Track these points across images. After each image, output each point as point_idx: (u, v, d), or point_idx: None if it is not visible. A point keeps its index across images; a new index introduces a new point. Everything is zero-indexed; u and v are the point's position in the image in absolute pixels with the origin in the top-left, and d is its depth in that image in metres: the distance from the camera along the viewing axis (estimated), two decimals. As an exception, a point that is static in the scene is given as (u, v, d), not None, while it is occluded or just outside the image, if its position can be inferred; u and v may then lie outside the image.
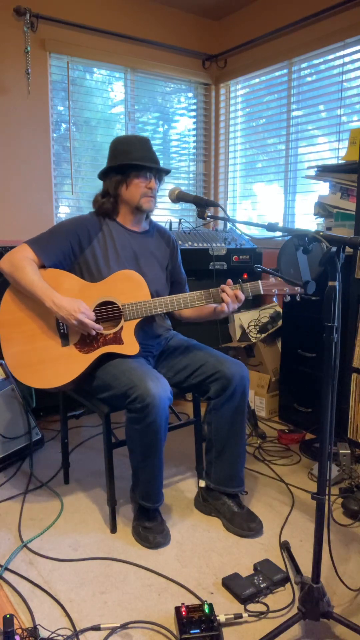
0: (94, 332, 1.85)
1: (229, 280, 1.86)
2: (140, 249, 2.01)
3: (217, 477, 1.99)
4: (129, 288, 1.88)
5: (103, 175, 1.99)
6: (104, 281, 1.90)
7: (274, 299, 1.81)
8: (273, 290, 1.80)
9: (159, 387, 1.71)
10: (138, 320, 1.88)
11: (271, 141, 3.70)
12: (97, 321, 1.86)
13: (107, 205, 1.97)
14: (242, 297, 1.83)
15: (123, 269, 1.92)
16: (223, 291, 1.83)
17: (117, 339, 1.87)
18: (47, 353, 1.88)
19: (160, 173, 1.98)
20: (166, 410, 1.74)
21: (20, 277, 1.83)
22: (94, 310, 1.86)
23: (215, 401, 1.92)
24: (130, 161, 1.89)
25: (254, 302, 3.27)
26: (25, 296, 1.87)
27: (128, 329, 1.87)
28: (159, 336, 2.08)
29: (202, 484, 2.06)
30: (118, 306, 1.88)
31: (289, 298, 1.80)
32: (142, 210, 1.98)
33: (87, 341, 1.88)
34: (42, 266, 1.90)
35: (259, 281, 1.81)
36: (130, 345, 1.87)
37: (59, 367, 1.87)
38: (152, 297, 1.92)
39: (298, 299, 1.80)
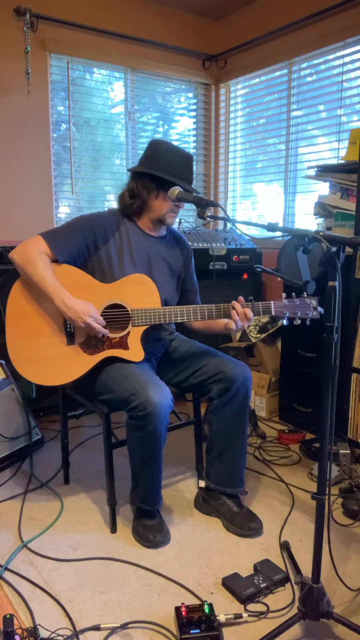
0: (100, 335, 1.84)
1: (241, 298, 1.83)
2: (154, 253, 2.00)
3: (217, 478, 1.99)
4: (140, 293, 1.87)
5: (138, 173, 1.94)
6: (116, 283, 1.89)
7: (284, 321, 1.79)
8: (285, 312, 1.78)
9: (160, 395, 1.70)
10: (145, 327, 1.87)
11: (271, 141, 3.70)
12: (104, 324, 1.85)
13: (134, 206, 1.94)
14: (251, 315, 1.80)
15: (135, 272, 1.91)
16: (233, 308, 1.80)
17: (122, 344, 1.86)
18: (51, 350, 1.87)
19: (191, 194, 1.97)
20: (167, 418, 1.74)
21: (32, 272, 1.80)
22: (102, 312, 1.85)
23: (218, 402, 1.92)
24: (173, 178, 1.86)
25: (254, 302, 3.26)
26: (35, 290, 1.85)
27: (135, 334, 1.86)
28: (163, 339, 2.08)
29: (202, 484, 2.06)
30: (127, 310, 1.87)
31: (299, 321, 1.78)
32: (164, 224, 1.98)
33: (92, 342, 1.88)
34: (55, 260, 1.87)
35: (271, 302, 1.79)
36: (135, 352, 1.86)
37: (61, 365, 1.87)
38: (161, 304, 1.91)
39: (308, 323, 1.79)
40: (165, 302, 1.98)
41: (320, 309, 1.74)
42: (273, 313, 1.79)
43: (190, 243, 3.04)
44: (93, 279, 1.90)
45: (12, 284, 1.89)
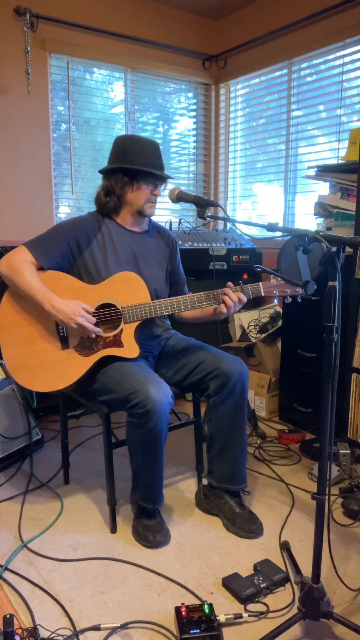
0: (93, 335, 1.84)
1: (230, 283, 1.85)
2: (140, 250, 2.00)
3: (219, 475, 1.99)
4: (129, 290, 1.88)
5: (108, 171, 1.96)
6: (104, 283, 1.90)
7: (275, 300, 1.80)
8: (274, 292, 1.79)
9: (160, 392, 1.71)
10: (138, 322, 1.87)
11: (271, 141, 3.70)
12: (97, 324, 1.85)
13: (110, 204, 1.96)
14: (244, 299, 1.82)
15: (122, 270, 1.91)
16: (224, 294, 1.82)
17: (117, 342, 1.86)
18: (46, 356, 1.88)
19: (164, 180, 1.99)
20: (167, 416, 1.74)
21: (19, 281, 1.82)
22: (93, 313, 1.86)
23: (215, 398, 1.92)
24: (144, 167, 1.89)
25: (254, 302, 3.26)
26: (24, 299, 1.86)
27: (128, 331, 1.86)
28: (159, 336, 2.08)
29: (205, 481, 2.06)
30: (118, 308, 1.87)
31: (290, 299, 1.80)
32: (144, 215, 1.99)
33: (86, 344, 1.88)
34: (41, 268, 1.89)
35: (260, 283, 1.81)
36: (130, 348, 1.86)
37: (58, 370, 1.87)
38: (152, 298, 1.92)
39: (299, 300, 1.80)
40: (156, 296, 1.99)
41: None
42: (263, 294, 1.80)
43: (190, 243, 3.07)
44: (81, 282, 1.91)
45: (2, 293, 1.91)
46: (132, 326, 1.87)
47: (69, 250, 1.92)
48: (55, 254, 1.90)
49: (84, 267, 1.94)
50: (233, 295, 1.81)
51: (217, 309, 1.88)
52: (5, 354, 1.89)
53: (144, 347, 1.94)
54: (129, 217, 2.00)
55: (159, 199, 2.01)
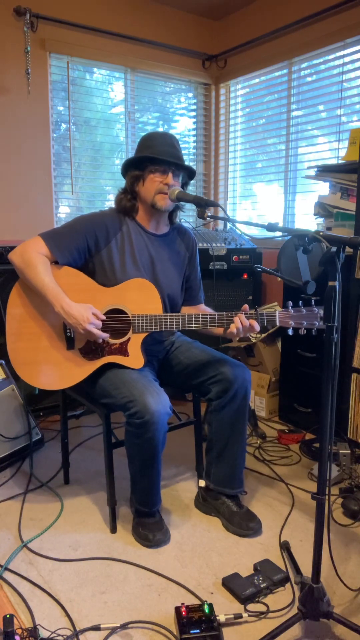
0: (100, 340, 1.83)
1: (245, 306, 1.79)
2: (158, 255, 1.96)
3: (217, 478, 1.99)
4: (142, 299, 1.84)
5: (124, 171, 1.93)
6: (117, 287, 1.86)
7: (289, 331, 1.77)
8: (290, 322, 1.75)
9: (158, 403, 1.69)
10: (146, 334, 1.85)
11: (271, 141, 3.70)
12: (105, 329, 1.82)
13: (124, 202, 1.91)
14: (256, 327, 1.76)
15: (138, 275, 1.88)
16: (236, 315, 1.77)
17: (122, 350, 1.85)
18: (50, 354, 1.87)
19: (183, 172, 1.91)
20: (165, 426, 1.73)
21: (32, 277, 1.78)
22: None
23: (216, 403, 1.91)
24: (148, 154, 1.83)
25: (254, 302, 3.26)
26: (34, 292, 1.83)
27: (135, 341, 1.84)
28: (164, 341, 2.07)
29: (202, 483, 2.06)
30: (128, 316, 1.84)
31: (305, 332, 1.76)
32: (157, 209, 1.89)
33: (92, 348, 1.86)
34: (55, 261, 1.85)
35: (277, 312, 1.76)
36: (135, 359, 1.84)
37: (61, 370, 1.86)
38: (164, 305, 1.89)
39: (314, 333, 1.77)
40: (170, 303, 1.97)
41: None
42: (277, 324, 1.76)
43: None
44: (94, 282, 1.88)
45: (12, 284, 1.89)
46: (140, 337, 1.84)
47: (86, 248, 1.87)
48: (71, 249, 1.85)
49: (99, 266, 1.90)
50: (245, 320, 1.76)
51: (227, 331, 1.83)
52: (10, 346, 1.87)
53: (149, 351, 1.93)
54: (147, 216, 1.94)
55: None
